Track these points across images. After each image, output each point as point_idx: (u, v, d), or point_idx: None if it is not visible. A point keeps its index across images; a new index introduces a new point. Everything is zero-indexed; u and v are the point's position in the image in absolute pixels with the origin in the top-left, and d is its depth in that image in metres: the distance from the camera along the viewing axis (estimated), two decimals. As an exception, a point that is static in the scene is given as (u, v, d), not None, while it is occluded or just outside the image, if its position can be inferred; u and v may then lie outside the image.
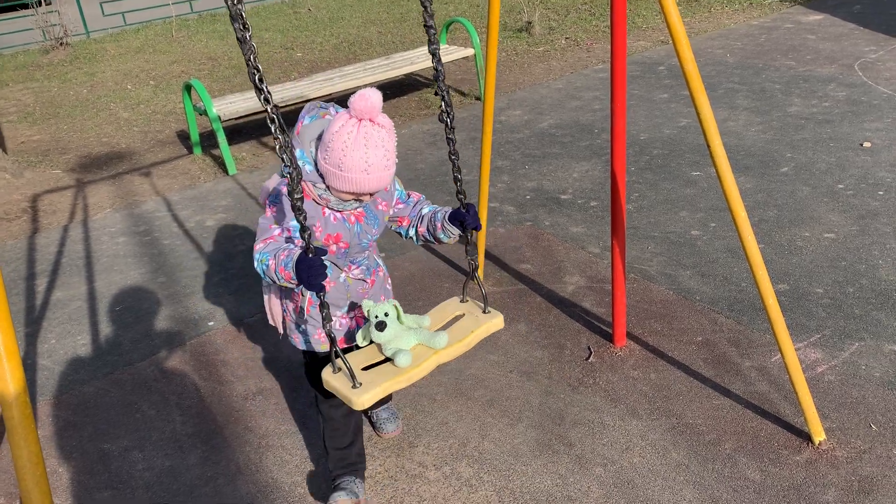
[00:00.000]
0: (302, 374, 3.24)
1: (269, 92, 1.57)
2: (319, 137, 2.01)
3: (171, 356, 3.47)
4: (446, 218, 2.17)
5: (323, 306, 1.83)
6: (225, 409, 3.08)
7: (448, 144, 2.02)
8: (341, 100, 7.25)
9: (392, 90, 7.55)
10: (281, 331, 2.45)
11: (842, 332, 3.10)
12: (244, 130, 6.77)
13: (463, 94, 7.24)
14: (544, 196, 4.74)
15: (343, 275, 2.25)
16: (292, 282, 1.94)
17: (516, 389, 3.01)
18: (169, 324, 3.74)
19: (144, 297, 4.02)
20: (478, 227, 2.13)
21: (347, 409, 2.43)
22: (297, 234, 2.04)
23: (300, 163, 2.01)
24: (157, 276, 4.23)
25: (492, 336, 3.32)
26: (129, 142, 6.86)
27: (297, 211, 1.69)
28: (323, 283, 1.80)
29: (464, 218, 2.11)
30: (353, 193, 2.00)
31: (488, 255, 4.02)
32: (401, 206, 2.30)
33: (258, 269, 2.05)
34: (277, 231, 2.09)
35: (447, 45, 7.25)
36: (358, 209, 2.14)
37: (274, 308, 2.39)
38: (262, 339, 3.53)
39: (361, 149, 1.89)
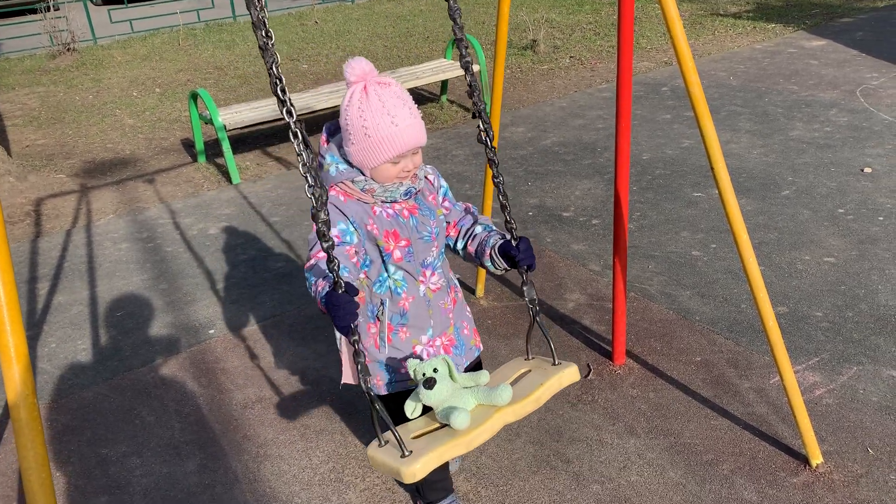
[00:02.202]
0: (301, 384, 3.26)
1: (292, 104, 1.51)
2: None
3: (171, 363, 3.48)
4: (496, 249, 1.98)
5: (358, 354, 1.61)
6: (224, 417, 3.08)
7: (491, 167, 1.90)
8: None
9: (397, 104, 7.58)
10: (351, 380, 2.07)
11: (840, 356, 3.12)
12: (248, 140, 6.81)
13: (467, 109, 7.28)
14: (546, 213, 4.76)
15: (422, 287, 2.03)
16: (325, 314, 1.72)
17: (515, 405, 3.01)
18: (170, 330, 3.75)
19: (146, 304, 4.03)
20: (532, 267, 1.92)
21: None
22: (347, 239, 1.89)
23: (333, 166, 1.93)
24: (158, 283, 4.25)
25: (492, 352, 3.35)
26: (133, 148, 6.89)
27: (322, 237, 1.55)
28: (351, 324, 1.61)
29: (514, 254, 1.91)
30: (391, 160, 1.85)
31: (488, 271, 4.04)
32: (447, 204, 2.13)
33: (310, 291, 1.85)
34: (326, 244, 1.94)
35: (452, 61, 7.30)
36: (409, 201, 1.99)
37: (345, 348, 2.07)
38: (262, 349, 3.53)
39: (378, 106, 1.81)
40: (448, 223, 2.13)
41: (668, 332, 3.40)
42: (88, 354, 3.61)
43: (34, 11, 13.24)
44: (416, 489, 2.47)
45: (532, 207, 4.86)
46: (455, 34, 1.82)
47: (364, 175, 1.91)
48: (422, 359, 1.99)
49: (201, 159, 6.31)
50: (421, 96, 7.81)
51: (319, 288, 1.77)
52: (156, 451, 2.92)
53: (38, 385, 3.40)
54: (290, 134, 1.53)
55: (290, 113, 1.52)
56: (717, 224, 4.37)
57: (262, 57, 1.49)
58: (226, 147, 5.73)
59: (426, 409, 1.77)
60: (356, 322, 1.63)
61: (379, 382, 2.06)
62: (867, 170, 4.90)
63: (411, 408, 1.77)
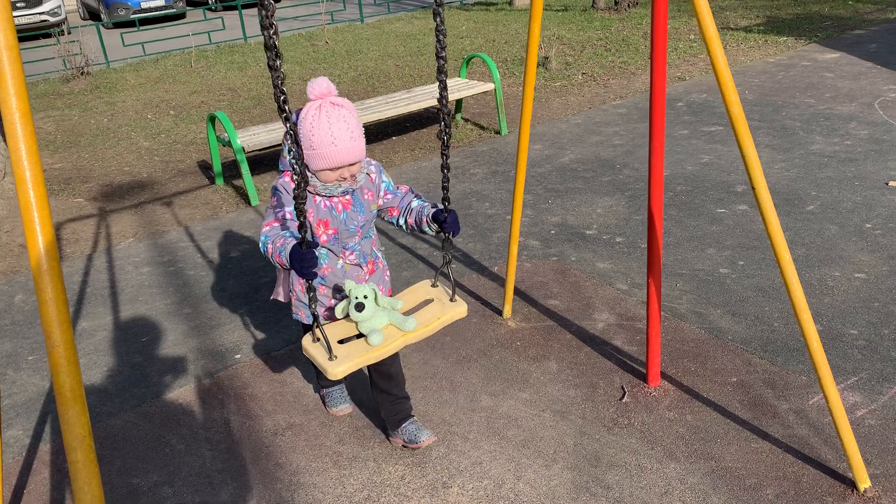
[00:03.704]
0: (321, 406, 3.23)
1: (290, 111, 1.78)
2: None
3: (199, 389, 3.45)
4: (430, 216, 2.46)
5: (310, 289, 2.14)
6: (255, 444, 3.05)
7: (442, 157, 2.26)
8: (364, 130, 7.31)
9: (412, 123, 7.61)
10: (281, 297, 2.80)
11: (879, 375, 3.07)
12: (265, 161, 6.82)
13: (482, 127, 7.28)
14: (569, 231, 4.73)
15: (340, 261, 2.55)
16: (285, 266, 2.25)
17: (550, 429, 2.97)
18: (196, 356, 3.73)
19: (171, 329, 4.01)
20: (455, 232, 2.38)
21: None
22: (292, 220, 2.35)
23: (292, 156, 2.23)
24: (182, 307, 4.23)
25: (523, 374, 3.32)
26: (150, 171, 6.91)
27: (300, 213, 1.95)
28: (314, 271, 2.09)
29: (442, 220, 2.38)
30: (329, 169, 2.28)
31: (516, 291, 4.01)
32: (389, 196, 2.58)
33: (261, 249, 2.36)
34: (279, 214, 2.39)
35: (467, 80, 7.31)
36: (346, 196, 2.44)
37: (283, 287, 2.77)
38: (291, 374, 3.51)
39: (325, 125, 2.20)
40: (390, 208, 2.60)
41: (701, 353, 3.36)
42: (115, 381, 3.58)
43: (48, 36, 13.37)
44: (317, 374, 3.12)
45: (554, 226, 4.83)
46: (437, 51, 2.02)
47: (310, 171, 2.34)
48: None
49: (219, 181, 6.31)
50: (437, 115, 7.81)
51: (280, 243, 2.25)
52: (187, 480, 2.89)
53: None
54: (286, 133, 1.86)
55: (286, 119, 1.76)
56: (743, 241, 4.33)
57: (271, 75, 1.73)
58: (244, 169, 5.73)
59: (347, 315, 2.34)
60: (316, 268, 2.13)
61: (302, 314, 2.67)
62: (892, 183, 4.86)
63: (339, 311, 2.35)
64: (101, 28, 13.60)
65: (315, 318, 2.19)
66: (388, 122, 7.70)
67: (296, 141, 1.90)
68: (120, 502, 2.81)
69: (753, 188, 2.32)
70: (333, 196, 2.41)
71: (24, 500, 2.86)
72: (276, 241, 2.29)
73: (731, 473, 2.65)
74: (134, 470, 2.97)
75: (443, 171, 2.28)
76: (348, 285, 2.31)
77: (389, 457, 2.90)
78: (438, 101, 2.14)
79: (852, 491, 2.51)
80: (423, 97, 6.78)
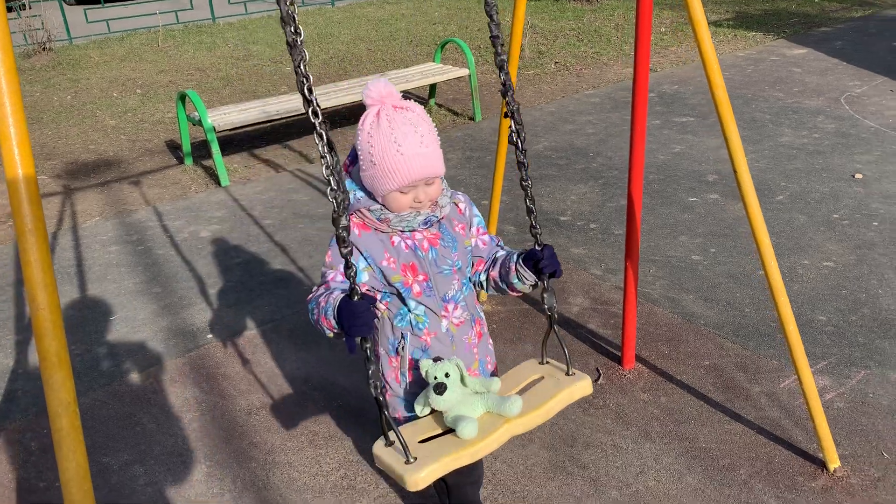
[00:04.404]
0: (306, 390, 3.19)
1: (318, 104, 1.47)
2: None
3: (169, 368, 3.39)
4: (520, 260, 1.89)
5: (369, 360, 1.58)
6: (228, 423, 3.01)
7: (520, 169, 1.83)
8: (337, 113, 7.22)
9: (384, 107, 7.54)
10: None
11: (847, 360, 3.13)
12: (235, 142, 6.71)
13: (456, 113, 7.26)
14: (543, 217, 4.75)
15: (445, 322, 1.93)
16: (335, 330, 1.72)
17: (526, 410, 2.98)
18: (166, 335, 3.66)
19: (140, 308, 3.93)
20: (557, 273, 1.84)
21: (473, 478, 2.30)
22: (360, 279, 1.83)
23: (351, 193, 1.84)
24: (151, 287, 4.15)
25: (498, 356, 3.29)
26: (116, 150, 6.76)
27: (341, 242, 1.53)
28: (368, 327, 1.59)
29: (538, 257, 1.83)
30: (399, 189, 1.75)
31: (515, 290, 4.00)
32: (485, 238, 2.02)
33: (311, 318, 1.82)
34: (331, 276, 1.86)
35: (441, 65, 7.27)
36: (431, 230, 1.89)
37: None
38: (264, 354, 3.46)
39: (387, 133, 1.71)
40: (478, 259, 2.03)
41: (674, 337, 3.40)
42: (83, 360, 3.50)
43: (9, 10, 12.95)
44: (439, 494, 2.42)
45: (528, 211, 4.83)
46: (491, 31, 1.77)
47: (378, 202, 1.82)
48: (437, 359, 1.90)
49: (188, 161, 6.20)
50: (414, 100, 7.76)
51: (324, 302, 1.74)
52: (159, 459, 2.84)
53: (33, 392, 3.30)
54: (315, 135, 1.47)
55: (315, 114, 1.47)
56: (715, 228, 4.39)
57: (290, 54, 1.44)
58: (215, 149, 5.63)
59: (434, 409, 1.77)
60: (372, 334, 1.58)
61: (399, 416, 1.97)
62: (858, 175, 4.96)
63: (419, 407, 1.78)
64: (64, 4, 13.23)
65: (380, 403, 1.59)
66: (360, 105, 7.63)
67: (330, 146, 1.49)
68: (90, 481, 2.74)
69: (735, 171, 2.34)
70: (415, 231, 1.86)
71: (-11, 478, 2.79)
72: (321, 300, 1.77)
73: (705, 454, 2.69)
74: (104, 448, 2.91)
75: (522, 185, 1.84)
76: (424, 365, 1.78)
77: (365, 436, 2.89)
78: (513, 141, 1.82)
79: (822, 471, 2.56)
80: (398, 81, 6.73)
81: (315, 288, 1.87)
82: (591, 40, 10.10)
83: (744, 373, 3.11)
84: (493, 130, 6.51)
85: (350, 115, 7.35)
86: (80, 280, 4.28)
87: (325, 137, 1.48)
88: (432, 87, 7.41)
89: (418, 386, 1.90)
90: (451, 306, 1.93)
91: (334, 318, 1.68)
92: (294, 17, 1.41)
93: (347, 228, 1.52)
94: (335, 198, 1.50)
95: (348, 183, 1.86)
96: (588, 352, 3.33)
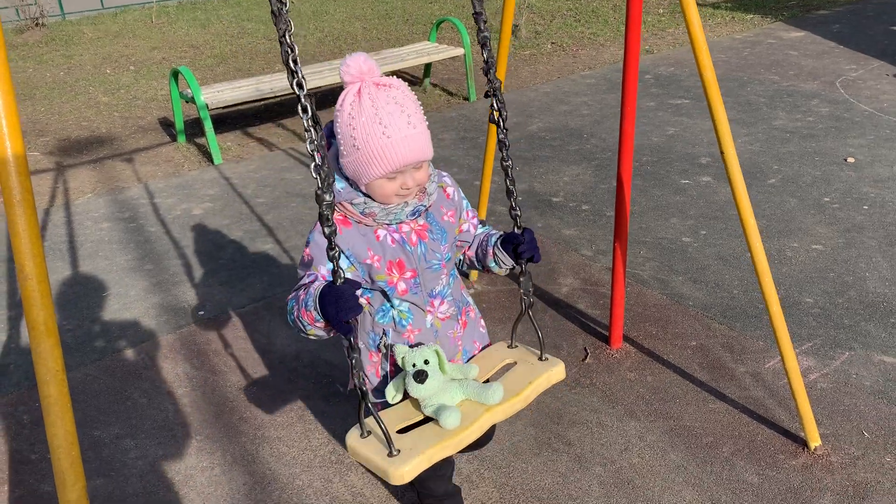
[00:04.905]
0: (296, 366, 3.22)
1: (303, 77, 1.41)
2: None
3: (161, 344, 3.42)
4: (498, 243, 1.84)
5: (353, 349, 1.53)
6: (219, 398, 3.04)
7: (501, 149, 1.78)
8: (330, 92, 7.22)
9: (379, 86, 7.52)
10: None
11: (833, 342, 3.17)
12: (228, 120, 6.69)
13: (451, 93, 7.24)
14: (536, 198, 4.76)
15: (429, 317, 1.85)
16: (317, 324, 1.59)
17: (514, 388, 3.01)
18: (158, 311, 3.68)
19: (132, 284, 3.95)
20: (535, 257, 1.80)
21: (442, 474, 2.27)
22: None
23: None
24: (143, 264, 4.16)
25: (488, 337, 3.34)
26: (109, 127, 6.73)
27: (325, 221, 1.46)
28: (356, 311, 1.50)
29: (518, 242, 1.78)
30: (385, 176, 1.62)
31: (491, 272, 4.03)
32: (475, 221, 1.96)
33: (289, 319, 1.71)
34: (310, 278, 1.72)
35: (436, 44, 7.24)
36: (419, 221, 1.78)
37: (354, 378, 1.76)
38: (254, 331, 3.48)
39: (371, 114, 1.57)
40: (467, 243, 1.97)
41: (662, 317, 3.43)
42: (74, 335, 3.52)
43: (0, -16, 12.81)
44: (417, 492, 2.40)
45: (521, 192, 4.85)
46: (474, 7, 1.74)
47: (362, 193, 1.70)
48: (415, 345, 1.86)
49: (181, 139, 6.19)
50: (403, 80, 7.74)
51: (303, 296, 1.64)
52: (150, 433, 2.87)
53: (24, 366, 3.32)
54: (300, 108, 1.42)
55: (300, 85, 1.41)
56: (706, 211, 4.41)
57: (275, 24, 1.40)
58: (208, 127, 5.62)
59: (406, 394, 1.73)
60: (356, 318, 1.52)
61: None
62: (850, 160, 4.98)
63: (392, 394, 1.74)
64: (58, -22, 13.10)
65: (363, 393, 1.54)
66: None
67: (314, 119, 1.43)
68: (83, 453, 2.75)
69: (722, 152, 2.36)
70: (402, 223, 1.75)
71: (-20, 451, 2.81)
72: (300, 294, 1.67)
73: (688, 432, 2.72)
74: (96, 422, 2.94)
75: (504, 166, 1.79)
76: (400, 351, 1.74)
77: (354, 412, 2.91)
78: (495, 121, 1.75)
79: (803, 449, 2.60)
80: (392, 60, 6.71)
81: (292, 290, 1.75)
82: (589, 21, 10.06)
83: (730, 353, 3.14)
84: (487, 111, 6.50)
85: (344, 94, 7.32)
86: (72, 256, 4.29)
87: (309, 110, 1.42)
88: (427, 66, 7.39)
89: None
90: (437, 301, 1.86)
91: (315, 308, 1.57)
92: None
93: (332, 206, 1.46)
94: (319, 173, 1.45)
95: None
96: (576, 331, 3.36)
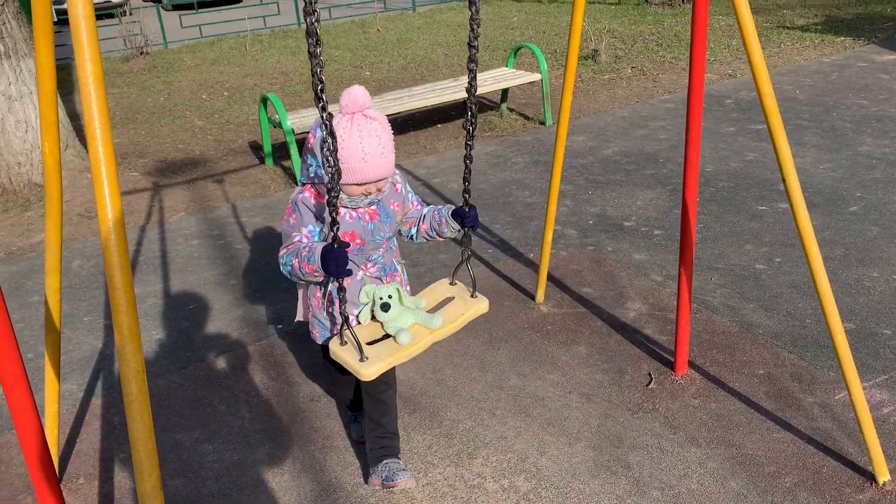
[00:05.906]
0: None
1: (326, 101, 1.73)
2: None
3: (241, 355, 3.62)
4: (449, 214, 2.40)
5: (341, 289, 2.10)
6: (291, 408, 3.20)
7: (465, 148, 2.20)
8: (410, 117, 7.41)
9: (458, 111, 7.70)
10: (301, 317, 2.68)
11: (909, 375, 3.07)
12: (313, 143, 6.97)
13: (527, 118, 7.34)
14: (607, 222, 4.78)
15: (360, 273, 2.45)
16: (317, 274, 2.15)
17: (575, 410, 3.05)
18: (240, 324, 3.90)
19: (217, 298, 4.19)
20: (475, 227, 2.36)
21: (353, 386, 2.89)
22: (315, 238, 2.30)
23: (313, 168, 2.27)
24: (229, 279, 4.41)
25: (551, 356, 3.40)
26: (203, 149, 7.14)
27: (332, 207, 1.91)
28: (348, 269, 2.04)
29: (464, 215, 2.35)
30: (357, 184, 2.17)
31: (550, 277, 4.08)
32: (417, 206, 2.54)
33: (284, 272, 2.29)
34: (298, 237, 2.30)
35: (514, 70, 7.36)
36: (371, 207, 2.35)
37: (302, 304, 2.64)
38: (328, 345, 3.64)
39: (356, 140, 2.09)
40: (411, 218, 2.52)
41: (730, 345, 3.39)
42: (162, 344, 3.77)
43: (111, 16, 13.77)
44: (348, 405, 3.02)
45: (593, 216, 4.88)
46: (469, 41, 1.95)
47: None
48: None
49: (268, 161, 6.50)
50: (481, 105, 7.90)
51: (305, 252, 2.16)
52: (227, 439, 3.05)
53: (115, 372, 3.57)
54: (322, 124, 1.76)
55: (323, 108, 1.73)
56: (782, 238, 4.33)
57: (311, 62, 1.69)
58: (293, 150, 5.89)
59: (373, 317, 2.34)
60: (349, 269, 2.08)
61: (316, 333, 2.55)
62: (940, 187, 4.79)
63: (365, 316, 2.34)
64: (161, 10, 13.97)
65: (346, 319, 2.14)
66: (434, 110, 7.81)
67: (331, 132, 1.77)
68: (164, 456, 2.98)
69: (784, 179, 2.36)
70: (359, 207, 2.32)
71: (76, 448, 3.05)
72: (300, 252, 2.20)
73: (750, 460, 2.70)
74: (177, 426, 3.14)
75: (465, 162, 2.23)
76: (369, 289, 2.32)
77: (418, 427, 3.02)
78: (467, 91, 2.04)
79: (871, 483, 2.54)
80: (470, 86, 6.85)
81: (283, 247, 2.30)
82: (671, 45, 9.99)
83: (798, 383, 3.09)
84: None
85: (424, 119, 7.53)
86: (163, 271, 4.58)
87: (328, 127, 1.76)
88: (504, 91, 7.51)
89: (331, 315, 2.47)
90: (370, 264, 2.46)
91: (318, 263, 2.09)
92: (316, 31, 1.62)
93: (338, 196, 1.88)
94: (332, 174, 1.84)
95: (311, 158, 2.27)
96: (641, 356, 3.37)
